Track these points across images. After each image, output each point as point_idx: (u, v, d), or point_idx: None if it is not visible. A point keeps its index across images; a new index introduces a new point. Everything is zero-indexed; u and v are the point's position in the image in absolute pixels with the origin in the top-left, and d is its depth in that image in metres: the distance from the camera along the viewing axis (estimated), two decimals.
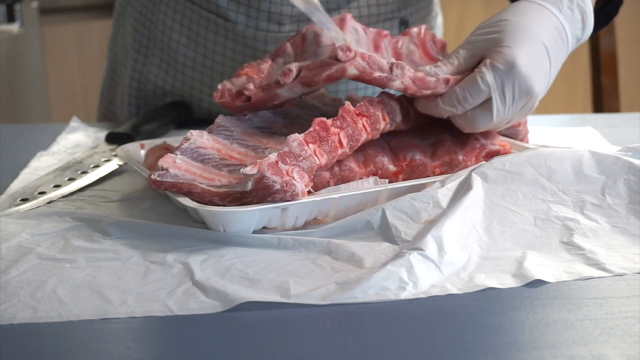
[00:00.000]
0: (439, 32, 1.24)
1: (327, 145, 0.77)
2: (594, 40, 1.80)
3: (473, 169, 0.77)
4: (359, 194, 0.77)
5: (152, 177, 0.76)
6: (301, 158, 0.75)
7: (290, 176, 0.73)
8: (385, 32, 0.91)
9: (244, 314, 0.62)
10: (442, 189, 0.76)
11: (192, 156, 0.79)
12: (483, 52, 0.84)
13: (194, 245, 0.72)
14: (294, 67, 0.82)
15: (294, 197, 0.73)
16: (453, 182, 0.77)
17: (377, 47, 0.90)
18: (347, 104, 0.79)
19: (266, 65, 0.89)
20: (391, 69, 0.81)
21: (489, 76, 0.81)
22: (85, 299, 0.64)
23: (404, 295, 0.63)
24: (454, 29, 2.39)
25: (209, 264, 0.69)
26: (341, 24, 0.89)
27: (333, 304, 0.62)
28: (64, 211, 0.80)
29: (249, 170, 0.73)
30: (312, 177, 0.75)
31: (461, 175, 0.77)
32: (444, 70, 0.84)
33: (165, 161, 0.77)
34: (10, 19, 2.08)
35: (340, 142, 0.78)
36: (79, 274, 0.68)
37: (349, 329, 0.60)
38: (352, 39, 0.88)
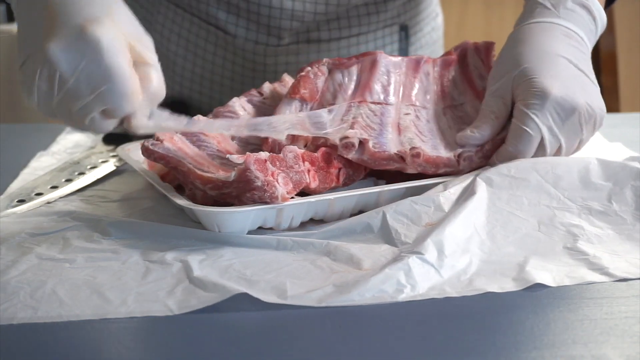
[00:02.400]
0: (439, 32, 1.24)
1: (323, 174, 0.77)
2: None
3: (478, 174, 0.77)
4: (356, 195, 0.77)
5: (145, 144, 0.77)
6: (293, 170, 0.74)
7: (274, 178, 0.73)
8: (426, 58, 0.89)
9: (243, 315, 0.62)
10: (445, 192, 0.75)
11: (191, 139, 0.79)
12: (511, 92, 0.81)
13: (193, 245, 0.72)
14: (357, 141, 0.78)
15: (272, 199, 0.72)
16: (456, 186, 0.76)
17: (411, 85, 0.88)
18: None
19: (322, 79, 0.85)
20: (458, 161, 0.80)
21: (532, 120, 0.78)
22: (85, 299, 0.64)
23: (401, 297, 0.63)
24: (454, 29, 2.39)
25: (207, 263, 0.69)
26: (372, 66, 0.86)
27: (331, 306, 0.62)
28: (64, 211, 0.80)
29: (236, 158, 0.73)
30: (298, 190, 0.75)
31: (465, 179, 0.77)
32: (484, 130, 0.81)
33: (163, 134, 0.78)
34: (10, 19, 2.08)
35: (337, 178, 0.78)
36: (78, 274, 0.68)
37: (348, 329, 0.60)
38: (378, 86, 0.85)
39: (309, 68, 0.85)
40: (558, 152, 0.81)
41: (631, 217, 0.74)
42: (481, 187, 0.75)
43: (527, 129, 0.78)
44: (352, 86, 0.86)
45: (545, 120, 0.78)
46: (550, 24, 0.84)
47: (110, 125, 0.70)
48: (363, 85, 0.85)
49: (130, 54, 0.68)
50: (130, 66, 0.67)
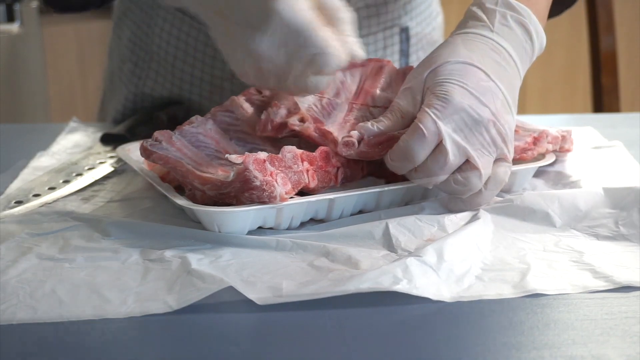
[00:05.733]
0: (440, 32, 1.24)
1: (322, 173, 0.77)
2: (594, 40, 1.80)
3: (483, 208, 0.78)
4: (355, 194, 0.77)
5: (144, 144, 0.77)
6: (291, 170, 0.74)
7: (273, 178, 0.73)
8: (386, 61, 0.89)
9: (243, 316, 0.62)
10: (450, 216, 0.76)
11: (189, 139, 0.80)
12: (422, 93, 0.79)
13: (192, 245, 0.72)
14: (356, 138, 0.78)
15: (271, 199, 0.72)
16: (462, 213, 0.77)
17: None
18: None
19: None
20: (337, 142, 0.79)
21: (429, 120, 0.74)
22: (84, 298, 0.64)
23: (397, 288, 0.63)
24: (454, 29, 2.38)
25: (205, 263, 0.69)
26: (377, 73, 0.86)
27: (332, 304, 0.62)
28: (64, 211, 0.80)
29: (235, 158, 0.73)
30: (297, 190, 0.75)
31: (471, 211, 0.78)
32: (386, 125, 0.78)
33: (162, 134, 0.78)
34: (10, 18, 2.08)
35: (335, 177, 0.78)
36: (78, 273, 0.68)
37: (349, 329, 0.60)
38: (379, 92, 0.86)
39: None
40: (471, 167, 0.76)
41: (639, 240, 0.73)
42: (486, 216, 0.76)
43: (422, 127, 0.74)
44: (355, 87, 0.87)
45: (447, 124, 0.75)
46: (480, 37, 0.81)
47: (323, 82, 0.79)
48: (366, 90, 0.86)
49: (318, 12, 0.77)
50: (314, 21, 0.76)
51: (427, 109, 0.75)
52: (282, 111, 0.82)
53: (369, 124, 0.79)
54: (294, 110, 0.83)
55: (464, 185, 0.76)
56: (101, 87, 1.29)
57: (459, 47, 0.80)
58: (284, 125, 0.81)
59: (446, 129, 0.75)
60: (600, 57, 1.78)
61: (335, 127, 0.81)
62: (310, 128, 0.80)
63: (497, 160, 0.77)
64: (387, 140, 0.77)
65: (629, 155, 0.94)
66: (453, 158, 0.75)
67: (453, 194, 0.78)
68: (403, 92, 0.80)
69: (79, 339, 0.59)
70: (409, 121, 0.78)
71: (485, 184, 0.77)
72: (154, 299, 0.63)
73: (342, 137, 0.78)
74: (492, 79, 0.78)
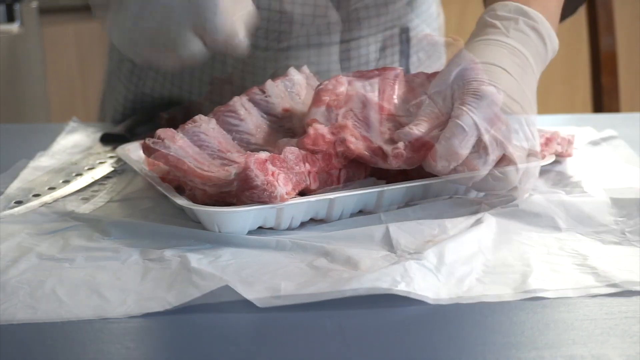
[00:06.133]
0: (439, 33, 1.24)
1: (324, 175, 0.77)
2: (594, 40, 1.80)
3: (487, 210, 0.77)
4: (356, 194, 0.77)
5: (146, 142, 0.77)
6: (293, 171, 0.74)
7: (274, 177, 0.73)
8: (397, 71, 0.88)
9: (243, 316, 0.62)
10: (452, 219, 0.75)
11: (192, 139, 0.79)
12: (451, 95, 0.79)
13: (192, 245, 0.72)
14: (403, 147, 0.77)
15: (271, 199, 0.72)
16: (464, 216, 0.76)
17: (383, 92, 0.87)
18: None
19: (343, 88, 0.84)
20: (386, 154, 0.78)
21: (467, 116, 0.76)
22: (84, 298, 0.64)
23: (396, 290, 0.63)
24: (454, 29, 2.39)
25: (205, 263, 0.68)
26: (394, 82, 0.86)
27: (332, 304, 0.62)
28: (64, 211, 0.80)
29: (236, 157, 0.73)
30: (297, 190, 0.75)
31: (474, 212, 0.77)
32: (425, 127, 0.79)
33: (164, 132, 0.78)
34: (10, 18, 2.08)
35: (338, 179, 0.78)
36: (78, 273, 0.68)
37: (348, 330, 0.60)
38: (399, 101, 0.85)
39: (327, 82, 0.84)
40: (507, 160, 0.77)
41: None
42: (490, 219, 0.75)
43: (462, 124, 0.76)
44: (376, 98, 0.85)
45: (484, 119, 0.76)
46: (498, 42, 0.83)
47: (199, 46, 0.78)
48: (388, 99, 0.85)
49: None
50: None
51: (462, 107, 0.77)
52: (325, 128, 0.80)
53: (407, 129, 0.78)
54: (335, 124, 0.80)
55: (502, 180, 0.77)
56: (101, 87, 1.29)
57: (482, 51, 0.81)
58: (331, 142, 0.79)
59: (484, 124, 0.76)
60: (600, 57, 1.78)
61: (380, 141, 0.80)
62: (360, 147, 0.79)
63: (528, 155, 0.79)
64: (427, 143, 0.78)
65: (628, 155, 0.94)
66: (492, 152, 0.76)
67: (490, 191, 0.78)
68: (433, 95, 0.81)
69: (79, 339, 0.59)
70: (443, 123, 0.79)
71: (519, 179, 0.78)
72: (154, 298, 0.63)
73: (391, 149, 0.78)
74: (517, 80, 0.80)
